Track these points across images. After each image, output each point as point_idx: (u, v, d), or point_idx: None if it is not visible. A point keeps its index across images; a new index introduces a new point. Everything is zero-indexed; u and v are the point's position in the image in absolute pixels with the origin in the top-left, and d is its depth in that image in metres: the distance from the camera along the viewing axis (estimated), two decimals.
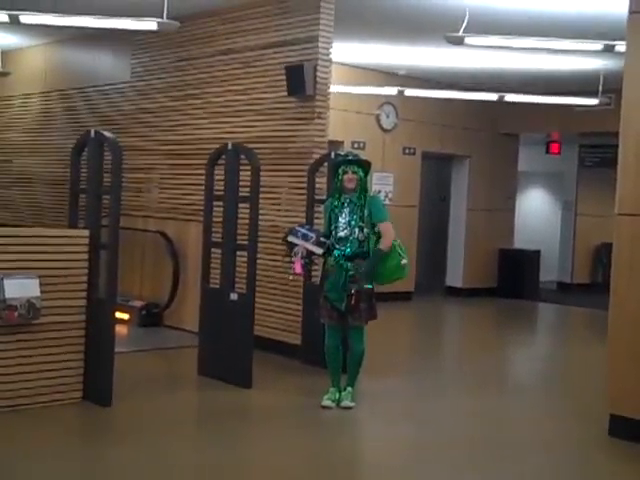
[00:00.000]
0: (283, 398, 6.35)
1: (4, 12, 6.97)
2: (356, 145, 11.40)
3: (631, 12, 5.45)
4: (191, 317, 8.00)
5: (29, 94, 11.55)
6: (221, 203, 6.76)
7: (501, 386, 7.29)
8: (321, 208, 7.18)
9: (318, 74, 7.44)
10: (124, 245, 6.06)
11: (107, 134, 5.81)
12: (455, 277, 13.52)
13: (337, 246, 5.85)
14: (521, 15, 7.94)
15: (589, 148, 15.31)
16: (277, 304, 7.74)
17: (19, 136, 11.70)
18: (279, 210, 7.72)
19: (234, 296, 6.55)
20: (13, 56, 11.70)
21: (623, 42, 5.77)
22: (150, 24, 7.03)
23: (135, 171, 9.04)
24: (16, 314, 5.31)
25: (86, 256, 5.70)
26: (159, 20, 6.97)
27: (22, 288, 5.33)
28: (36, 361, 5.49)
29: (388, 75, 11.53)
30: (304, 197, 7.43)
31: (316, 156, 7.41)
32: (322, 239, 5.90)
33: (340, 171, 5.89)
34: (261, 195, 6.54)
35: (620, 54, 6.39)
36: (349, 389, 6.04)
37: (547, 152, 14.59)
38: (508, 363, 8.81)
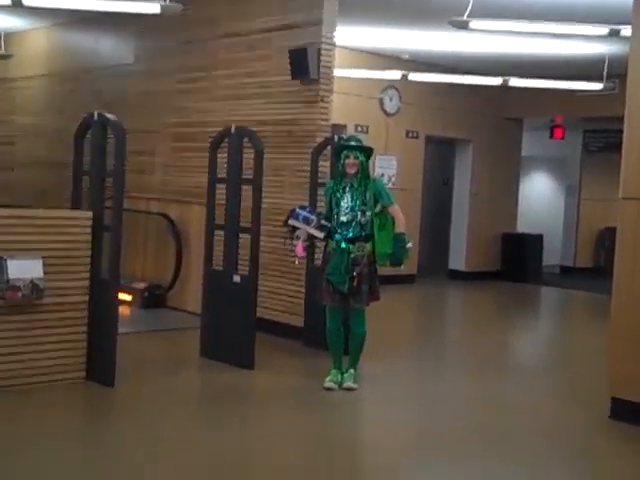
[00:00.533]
0: (285, 380, 6.38)
1: None
2: (359, 129, 11.38)
3: None
4: (194, 299, 8.03)
5: (32, 77, 11.54)
6: (224, 185, 6.77)
7: (503, 369, 7.32)
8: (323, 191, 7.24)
9: (322, 58, 7.43)
10: (127, 227, 6.09)
11: (110, 116, 5.81)
12: (458, 261, 13.54)
13: (339, 230, 5.88)
14: None
15: (593, 133, 15.28)
16: (279, 286, 7.76)
17: (22, 118, 11.70)
18: (282, 192, 7.72)
19: (237, 278, 6.56)
20: (15, 39, 11.68)
21: (628, 26, 5.75)
22: (153, 7, 7.01)
23: (138, 154, 9.05)
24: (19, 294, 5.34)
25: (89, 237, 5.72)
26: (162, 3, 6.94)
27: (25, 269, 5.36)
28: (39, 341, 5.53)
29: (392, 59, 11.50)
30: (307, 180, 7.43)
31: (319, 139, 7.40)
32: (323, 222, 5.92)
33: (342, 156, 5.91)
34: (264, 177, 6.55)
35: (625, 39, 6.38)
36: (351, 371, 6.08)
37: (551, 137, 14.56)
38: (510, 347, 8.83)
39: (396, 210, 5.93)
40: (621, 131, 5.61)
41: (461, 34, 8.77)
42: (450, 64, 11.96)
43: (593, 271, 15.13)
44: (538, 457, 4.92)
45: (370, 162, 6.07)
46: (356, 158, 5.86)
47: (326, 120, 7.55)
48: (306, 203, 7.10)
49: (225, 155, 6.76)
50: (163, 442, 4.80)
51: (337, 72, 7.88)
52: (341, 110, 9.76)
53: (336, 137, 7.20)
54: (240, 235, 6.68)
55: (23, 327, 5.45)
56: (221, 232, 6.81)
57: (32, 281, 5.37)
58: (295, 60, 7.50)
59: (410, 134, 12.31)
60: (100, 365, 5.71)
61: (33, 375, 5.50)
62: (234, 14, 8.35)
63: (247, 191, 6.58)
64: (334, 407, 5.76)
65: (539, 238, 14.31)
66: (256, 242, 6.49)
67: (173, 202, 8.97)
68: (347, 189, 5.89)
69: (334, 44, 7.58)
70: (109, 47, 10.19)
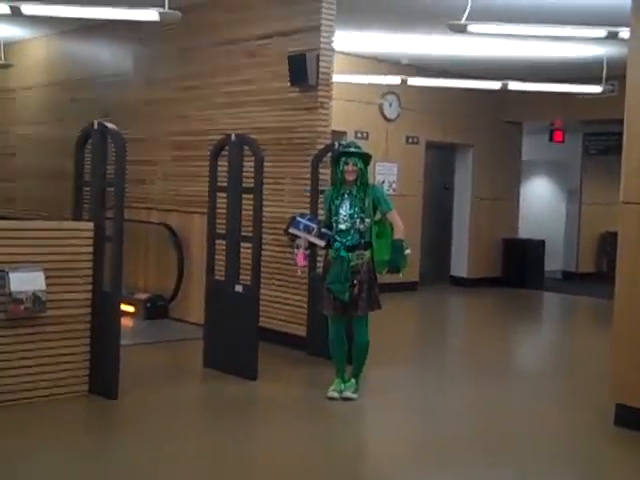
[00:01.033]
0: (288, 389, 6.35)
1: (6, 3, 6.95)
2: (360, 135, 11.37)
3: None
4: (196, 309, 8.00)
5: (32, 86, 11.54)
6: (225, 194, 6.75)
7: (506, 376, 7.29)
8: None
9: (321, 64, 7.42)
10: (128, 237, 6.06)
11: (110, 126, 5.79)
12: (460, 267, 13.51)
13: (338, 238, 5.85)
14: (524, 2, 7.91)
15: (593, 136, 15.26)
16: (282, 295, 7.74)
17: (22, 128, 11.69)
18: (283, 201, 7.71)
19: (239, 288, 6.54)
20: (15, 48, 11.67)
21: (627, 28, 5.74)
22: (152, 14, 6.99)
23: (139, 163, 9.04)
24: (22, 307, 5.31)
25: (91, 249, 5.70)
26: (161, 10, 6.93)
27: (28, 281, 5.34)
28: (42, 354, 5.50)
29: (391, 64, 11.50)
30: (308, 187, 7.41)
31: (320, 146, 7.39)
32: (324, 230, 5.89)
33: (341, 162, 5.88)
34: (265, 186, 6.53)
35: (623, 41, 6.37)
36: (352, 381, 6.05)
37: (551, 140, 14.54)
38: (513, 353, 8.80)
39: (394, 217, 5.89)
40: (621, 134, 5.59)
41: (460, 38, 8.76)
42: (449, 68, 11.95)
43: (595, 276, 15.09)
44: (542, 464, 4.89)
45: (369, 169, 6.04)
46: (355, 165, 5.84)
47: (326, 127, 7.53)
48: (307, 211, 7.10)
49: (225, 163, 6.74)
50: (167, 454, 4.77)
51: (336, 78, 7.88)
52: (341, 116, 9.75)
53: (336, 144, 7.18)
54: (241, 244, 6.66)
55: (25, 340, 5.42)
56: (222, 241, 6.79)
57: (34, 293, 5.35)
58: (294, 66, 7.49)
59: (410, 140, 12.30)
60: (103, 378, 5.69)
61: (35, 388, 5.48)
62: (232, 21, 8.35)
63: (248, 199, 6.56)
64: (337, 417, 5.73)
65: (541, 243, 14.28)
66: (258, 251, 6.47)
67: (174, 211, 8.95)
68: (346, 196, 5.87)
69: (333, 50, 7.58)
70: (109, 56, 10.19)
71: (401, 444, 5.26)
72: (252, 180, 6.47)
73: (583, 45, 9.74)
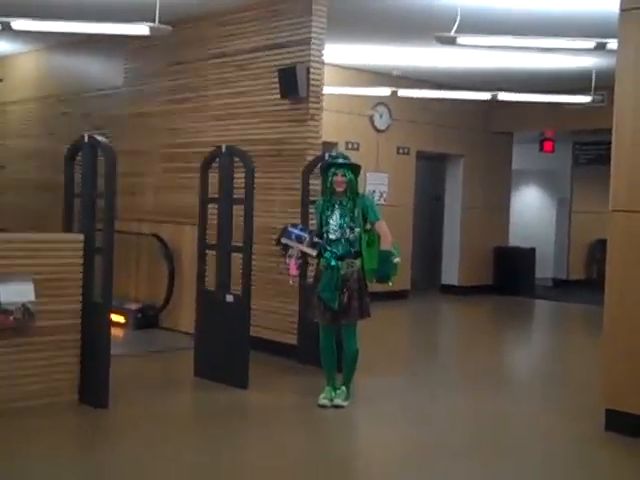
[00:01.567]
0: (279, 398, 6.36)
1: None
2: (350, 146, 11.42)
3: (622, 9, 5.47)
4: (187, 319, 8.00)
5: (22, 100, 11.55)
6: (215, 205, 6.77)
7: (497, 384, 7.31)
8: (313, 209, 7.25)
9: (311, 76, 7.46)
10: (119, 248, 6.07)
11: (100, 138, 5.82)
12: (451, 275, 13.55)
13: (328, 248, 5.89)
14: (512, 14, 7.96)
15: (582, 145, 15.36)
16: (272, 304, 7.75)
17: (12, 142, 11.70)
18: (273, 211, 7.73)
19: (230, 297, 6.56)
20: (5, 62, 11.70)
21: (615, 40, 5.79)
22: (142, 29, 7.03)
23: (129, 175, 9.06)
24: (11, 318, 5.32)
25: (81, 260, 5.71)
26: (151, 25, 6.97)
27: (17, 292, 5.35)
28: (32, 365, 5.50)
29: (381, 75, 11.55)
30: (298, 198, 7.43)
31: (310, 158, 7.42)
32: (315, 239, 5.92)
33: (330, 173, 5.92)
34: (255, 196, 6.55)
35: (612, 52, 6.42)
36: (343, 389, 6.07)
37: (541, 150, 14.62)
38: (504, 361, 8.83)
39: (381, 227, 5.92)
40: (610, 143, 5.63)
41: (449, 49, 8.82)
42: (439, 80, 12.02)
43: (586, 283, 15.16)
44: (534, 469, 4.92)
45: (359, 179, 6.07)
46: (344, 176, 5.88)
47: (316, 138, 7.57)
48: (297, 221, 7.12)
49: (216, 175, 6.77)
50: (157, 464, 4.77)
51: (327, 90, 7.92)
52: (331, 128, 9.80)
53: (326, 155, 7.21)
54: (232, 254, 6.68)
55: (15, 351, 5.43)
56: (213, 251, 6.80)
57: (24, 305, 5.36)
58: (284, 79, 7.53)
59: (401, 150, 12.35)
60: (93, 387, 5.69)
61: (25, 398, 5.47)
62: (223, 34, 8.39)
63: (238, 210, 6.58)
64: (328, 425, 5.75)
65: (531, 251, 14.35)
66: (248, 261, 6.49)
67: (164, 223, 8.97)
68: (336, 207, 5.91)
69: (323, 62, 7.62)
70: (99, 69, 10.22)
71: (392, 452, 5.27)
72: (242, 191, 6.49)
73: (572, 56, 9.81)
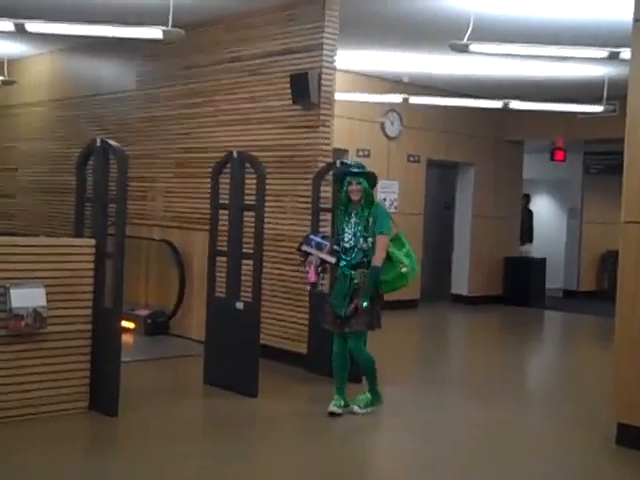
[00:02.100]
0: (289, 406, 6.34)
1: (10, 20, 6.99)
2: (361, 153, 11.40)
3: (636, 20, 5.44)
4: (197, 325, 8.00)
5: (35, 102, 11.57)
6: (226, 211, 6.76)
7: (508, 394, 7.26)
8: (327, 216, 7.25)
9: (323, 82, 7.44)
10: (129, 253, 6.06)
11: (113, 143, 5.81)
12: (461, 285, 13.51)
13: (343, 256, 5.91)
14: (525, 22, 7.94)
15: (594, 155, 15.30)
16: (282, 312, 7.73)
17: (24, 144, 11.72)
18: (284, 218, 7.72)
19: (240, 305, 6.54)
20: (19, 64, 11.71)
21: (628, 49, 5.76)
22: (155, 32, 7.02)
23: (141, 180, 9.08)
24: (23, 323, 5.31)
25: (92, 265, 5.70)
26: (164, 28, 6.96)
27: (28, 297, 5.34)
28: (42, 370, 5.49)
29: (393, 82, 11.54)
30: (309, 205, 7.42)
31: (321, 164, 7.40)
32: (335, 247, 5.95)
33: (345, 182, 5.92)
34: (266, 203, 6.55)
35: (625, 61, 6.39)
36: (366, 395, 6.11)
37: (552, 159, 14.57)
38: (514, 372, 8.77)
39: (379, 241, 5.84)
40: (622, 153, 5.60)
41: (461, 57, 8.80)
42: (451, 87, 11.99)
43: (597, 294, 15.08)
44: None
45: (366, 183, 5.96)
46: (359, 184, 5.87)
47: (327, 145, 7.55)
48: (308, 228, 7.11)
49: (227, 180, 6.76)
50: (167, 473, 4.75)
51: (338, 96, 7.90)
52: (342, 134, 9.79)
53: (338, 162, 7.20)
54: (242, 261, 6.67)
55: (26, 356, 5.41)
56: (223, 258, 6.79)
57: (35, 310, 5.35)
58: (296, 85, 7.52)
59: (412, 158, 12.32)
60: (103, 394, 5.67)
61: (35, 405, 5.46)
62: (235, 39, 8.38)
63: (249, 216, 6.57)
64: (338, 433, 5.72)
65: (542, 262, 14.29)
66: (259, 268, 6.47)
67: (175, 228, 8.96)
68: (352, 215, 5.93)
69: (335, 68, 7.60)
70: (112, 73, 10.23)
71: (401, 461, 5.24)
72: (253, 197, 6.48)
73: (585, 65, 9.78)
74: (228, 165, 6.76)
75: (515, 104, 10.87)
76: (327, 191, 7.34)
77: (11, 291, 5.26)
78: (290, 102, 7.62)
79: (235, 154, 6.67)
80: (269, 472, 4.90)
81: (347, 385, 6.11)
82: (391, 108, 11.79)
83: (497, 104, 10.96)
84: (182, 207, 8.90)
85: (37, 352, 5.45)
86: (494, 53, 7.91)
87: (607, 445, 5.51)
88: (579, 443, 5.71)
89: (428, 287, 12.79)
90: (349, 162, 6.98)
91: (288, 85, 7.59)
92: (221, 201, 6.82)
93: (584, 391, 7.50)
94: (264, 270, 6.64)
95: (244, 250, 6.64)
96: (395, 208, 11.75)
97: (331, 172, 7.21)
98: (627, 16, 5.56)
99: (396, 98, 10.95)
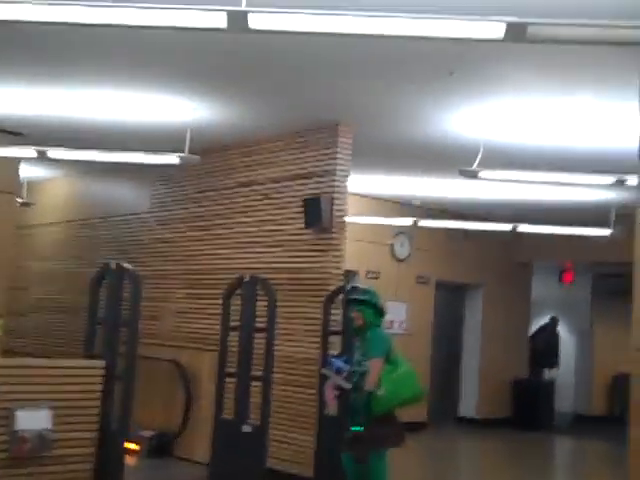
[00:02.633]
0: None
1: (33, 147, 7.23)
2: (370, 275, 11.45)
3: None
4: (202, 447, 7.86)
5: (50, 223, 11.75)
6: (235, 332, 6.75)
7: None
8: (336, 339, 7.23)
9: (335, 207, 7.56)
10: (137, 372, 6.03)
11: (127, 266, 5.87)
12: (469, 407, 13.31)
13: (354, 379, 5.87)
14: (534, 149, 8.10)
15: (603, 277, 15.31)
16: (289, 435, 7.60)
17: (38, 264, 11.83)
18: (294, 340, 7.69)
19: (247, 428, 6.45)
20: (37, 187, 11.93)
21: (634, 175, 5.84)
22: (172, 159, 7.20)
23: (151, 299, 9.09)
24: (26, 446, 5.23)
25: (100, 387, 5.67)
26: (181, 155, 7.13)
27: (34, 420, 5.29)
28: None
29: (402, 205, 11.69)
30: (319, 327, 7.41)
31: (332, 287, 7.43)
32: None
33: (349, 310, 6.00)
34: (276, 325, 6.56)
35: (631, 187, 6.47)
36: None
37: (560, 281, 14.59)
38: None
39: (371, 365, 5.73)
40: (630, 275, 5.57)
41: (471, 181, 8.93)
42: (460, 210, 12.14)
43: (608, 420, 14.79)
44: None
45: (370, 310, 5.93)
46: (359, 311, 5.88)
47: (338, 268, 7.60)
48: (318, 351, 7.09)
49: (237, 301, 6.78)
50: None
51: (349, 219, 8.01)
52: (353, 256, 9.84)
53: (349, 286, 7.24)
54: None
55: None
56: (231, 379, 6.74)
57: (40, 432, 5.29)
58: (308, 209, 7.63)
59: (420, 279, 12.36)
60: None
61: None
62: (249, 163, 8.57)
63: (258, 338, 6.56)
64: None
65: (550, 384, 14.10)
66: (268, 391, 6.42)
67: (184, 348, 8.93)
68: (360, 340, 5.92)
69: (347, 193, 7.74)
70: (126, 195, 10.43)
71: None
72: (264, 319, 6.49)
73: (592, 190, 9.92)
74: (239, 287, 6.80)
75: (524, 227, 10.97)
76: (337, 314, 7.34)
77: (16, 413, 5.21)
78: (302, 225, 7.72)
79: (247, 277, 6.72)
80: None
81: None
82: (401, 231, 11.92)
83: (506, 227, 11.06)
84: (192, 327, 8.89)
85: (38, 476, 5.35)
86: (503, 179, 8.04)
87: None
88: None
89: (436, 408, 12.59)
90: (361, 287, 7.00)
91: (300, 209, 7.71)
92: (231, 322, 6.83)
93: None
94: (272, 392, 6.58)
95: (253, 372, 6.60)
96: (404, 330, 11.71)
97: (340, 295, 7.24)
98: (633, 144, 5.66)
99: (406, 221, 11.08)
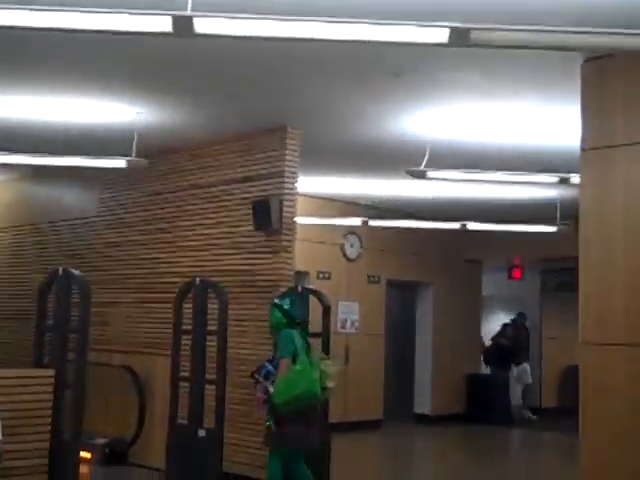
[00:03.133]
0: None
1: None
2: (321, 275, 11.49)
3: (582, 150, 5.66)
4: (158, 453, 7.80)
5: None
6: (188, 336, 6.73)
7: None
8: None
9: (284, 208, 7.58)
10: (88, 380, 5.98)
11: (75, 272, 5.82)
12: (423, 404, 13.42)
13: None
14: (481, 149, 8.20)
15: (550, 272, 15.56)
16: (245, 438, 7.60)
17: None
18: (246, 342, 7.69)
19: (202, 432, 6.43)
20: None
21: (577, 174, 5.97)
22: (119, 162, 7.15)
23: (101, 305, 9.01)
24: None
25: (50, 396, 5.61)
26: (128, 158, 7.09)
27: None
28: None
29: (352, 205, 11.75)
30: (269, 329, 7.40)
31: (283, 289, 7.45)
32: None
33: None
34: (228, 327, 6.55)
35: (575, 185, 6.60)
36: None
37: (509, 277, 14.79)
38: None
39: (280, 364, 6.02)
40: (576, 269, 5.68)
41: (419, 181, 9.01)
42: (409, 209, 12.23)
43: (560, 410, 15.02)
44: None
45: (278, 313, 6.18)
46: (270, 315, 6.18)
47: (289, 270, 7.63)
48: (270, 353, 7.08)
49: (189, 305, 6.76)
50: None
51: (299, 220, 8.03)
52: (303, 256, 9.86)
53: (300, 287, 7.26)
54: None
55: None
56: (185, 383, 6.71)
57: None
58: (258, 211, 7.64)
59: (371, 279, 12.44)
60: None
61: None
62: (198, 166, 8.54)
63: (211, 341, 6.55)
64: None
65: (505, 378, 14.29)
66: (222, 394, 6.41)
67: (136, 353, 8.86)
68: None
69: (296, 194, 7.76)
70: (74, 199, 10.31)
71: None
72: (215, 322, 6.48)
73: (538, 188, 10.08)
74: (191, 291, 6.78)
75: (472, 225, 11.11)
76: None
77: None
78: (252, 228, 7.72)
79: (198, 281, 6.70)
80: None
81: None
82: (351, 231, 11.98)
83: (455, 225, 11.19)
84: (143, 332, 8.83)
85: None
86: (450, 179, 8.13)
87: None
88: None
89: (391, 406, 12.68)
90: (312, 288, 7.08)
91: (250, 211, 7.71)
92: (183, 326, 6.80)
93: None
94: (226, 394, 6.56)
95: (207, 375, 6.58)
96: (356, 329, 11.78)
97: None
98: (576, 142, 5.78)
99: (356, 221, 11.14)
